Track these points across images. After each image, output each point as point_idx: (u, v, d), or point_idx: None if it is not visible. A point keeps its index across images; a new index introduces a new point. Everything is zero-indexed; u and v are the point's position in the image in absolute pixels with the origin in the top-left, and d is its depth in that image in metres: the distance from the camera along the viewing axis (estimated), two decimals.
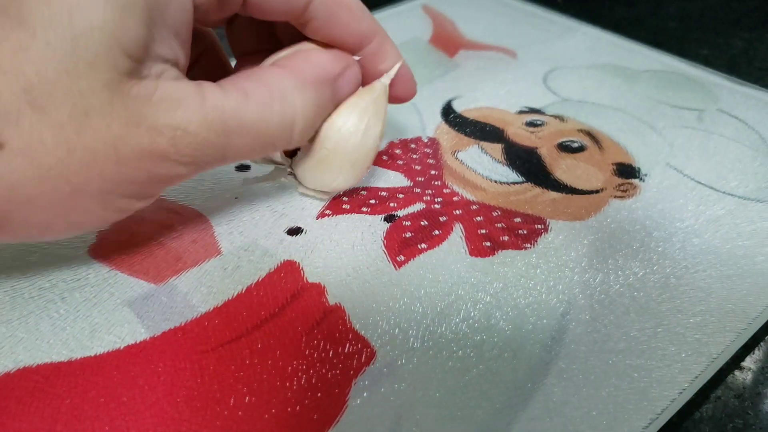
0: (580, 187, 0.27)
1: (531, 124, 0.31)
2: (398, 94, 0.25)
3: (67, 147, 0.16)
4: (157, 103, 0.17)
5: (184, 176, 0.19)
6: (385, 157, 0.29)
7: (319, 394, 0.19)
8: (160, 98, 0.17)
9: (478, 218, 0.25)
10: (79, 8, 0.15)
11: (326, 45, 0.23)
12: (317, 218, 0.25)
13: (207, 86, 0.19)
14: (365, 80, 0.24)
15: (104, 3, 0.15)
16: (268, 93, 0.20)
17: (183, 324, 0.21)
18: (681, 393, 0.19)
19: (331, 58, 0.22)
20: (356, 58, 0.23)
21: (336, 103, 0.23)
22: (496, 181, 0.28)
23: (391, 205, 0.26)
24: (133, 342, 0.20)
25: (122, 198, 0.18)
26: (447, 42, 0.40)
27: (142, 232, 0.25)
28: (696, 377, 0.19)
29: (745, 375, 0.21)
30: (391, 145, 0.30)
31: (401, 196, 0.27)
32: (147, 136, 0.17)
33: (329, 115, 0.23)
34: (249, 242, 0.24)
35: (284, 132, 0.20)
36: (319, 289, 0.22)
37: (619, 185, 0.27)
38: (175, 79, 0.18)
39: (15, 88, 0.15)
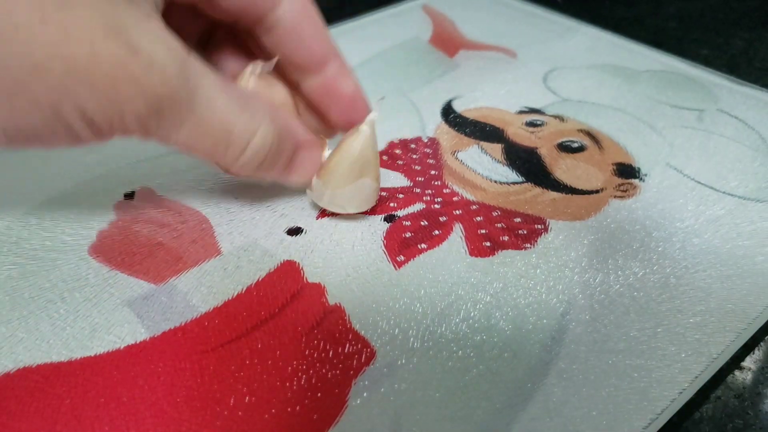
0: (580, 187, 0.27)
1: (531, 124, 0.31)
2: (352, 120, 0.24)
3: (42, 14, 0.16)
4: (145, 29, 0.17)
5: (139, 119, 0.18)
6: (385, 157, 0.29)
7: (319, 394, 0.19)
8: (150, 28, 0.17)
9: (478, 218, 0.25)
10: None
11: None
12: (317, 218, 0.25)
13: (194, 54, 0.18)
14: (328, 100, 0.24)
15: None
16: (244, 101, 0.20)
17: (183, 324, 0.21)
18: (681, 393, 0.19)
19: (306, 132, 0.23)
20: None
21: (291, 168, 0.23)
22: (496, 181, 0.28)
23: (391, 205, 0.26)
24: (133, 342, 0.20)
25: (74, 110, 0.17)
26: (447, 42, 0.40)
27: (142, 232, 0.25)
28: (696, 377, 0.19)
29: (745, 375, 0.21)
30: (391, 145, 0.30)
31: (401, 196, 0.27)
32: (125, 49, 0.17)
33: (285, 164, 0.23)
34: (249, 242, 0.24)
35: (242, 138, 0.20)
36: (319, 289, 0.22)
37: (619, 185, 0.27)
38: (165, 26, 0.18)
39: None
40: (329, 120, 0.25)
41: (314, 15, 0.22)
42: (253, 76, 0.22)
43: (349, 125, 0.24)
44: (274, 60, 0.22)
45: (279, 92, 0.23)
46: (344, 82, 0.24)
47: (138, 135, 0.19)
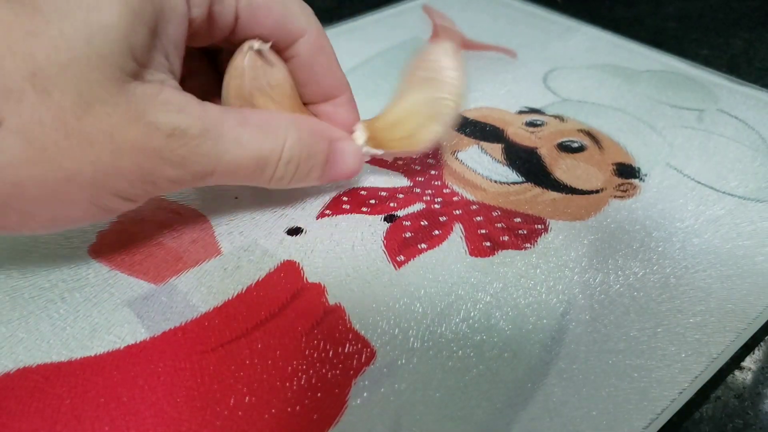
0: (580, 187, 0.27)
1: (531, 124, 0.31)
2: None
3: (65, 131, 0.17)
4: (160, 103, 0.18)
5: (171, 180, 0.19)
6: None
7: (319, 394, 0.19)
8: (164, 100, 0.18)
9: (478, 218, 0.25)
10: (96, 6, 0.16)
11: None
12: (317, 218, 0.25)
13: (209, 103, 0.20)
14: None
15: (119, 6, 0.17)
16: (265, 123, 0.21)
17: (183, 324, 0.21)
18: (681, 393, 0.19)
19: (335, 129, 0.24)
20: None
21: (330, 166, 0.23)
22: (496, 181, 0.28)
23: (391, 205, 0.26)
24: (133, 342, 0.20)
25: (110, 195, 0.18)
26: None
27: (142, 232, 0.25)
28: (696, 377, 0.19)
29: (745, 375, 0.21)
30: None
31: (401, 196, 0.27)
32: (145, 130, 0.18)
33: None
34: (249, 242, 0.24)
35: (273, 158, 0.21)
36: (319, 289, 0.22)
37: (619, 185, 0.27)
38: (177, 89, 0.19)
39: (22, 70, 0.16)
40: None
41: (328, 50, 0.23)
42: (251, 51, 0.22)
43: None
44: (269, 43, 0.22)
45: (278, 71, 0.23)
46: (345, 114, 0.25)
47: (175, 190, 0.20)
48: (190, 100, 0.19)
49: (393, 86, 0.35)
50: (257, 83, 0.22)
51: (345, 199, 0.27)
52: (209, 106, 0.19)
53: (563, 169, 0.28)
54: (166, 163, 0.18)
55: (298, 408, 0.18)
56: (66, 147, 0.17)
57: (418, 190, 0.27)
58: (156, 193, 0.20)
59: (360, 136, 0.25)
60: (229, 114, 0.20)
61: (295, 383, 0.19)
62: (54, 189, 0.17)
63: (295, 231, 0.25)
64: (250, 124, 0.20)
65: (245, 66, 0.21)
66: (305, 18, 0.22)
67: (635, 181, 0.28)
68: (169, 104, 0.18)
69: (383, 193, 0.27)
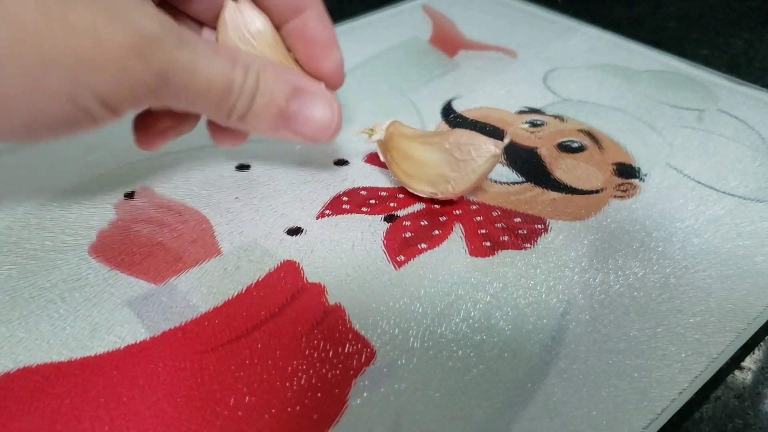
0: (580, 187, 0.27)
1: (531, 124, 0.31)
2: (320, 65, 0.25)
3: (48, 17, 0.17)
4: (142, 12, 0.18)
5: (152, 90, 0.19)
6: None
7: (319, 394, 0.19)
8: (147, 12, 0.19)
9: (478, 218, 0.25)
10: None
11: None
12: (317, 218, 0.25)
13: (185, 28, 0.20)
14: (302, 44, 0.24)
15: None
16: (235, 54, 0.21)
17: (183, 324, 0.21)
18: (681, 393, 0.19)
19: (311, 82, 0.23)
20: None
21: (298, 115, 0.23)
22: (496, 181, 0.28)
23: (391, 205, 0.26)
24: (133, 342, 0.20)
25: (90, 95, 0.18)
26: (447, 42, 0.40)
27: (142, 232, 0.25)
28: (696, 377, 0.19)
29: (745, 375, 0.21)
30: None
31: (401, 196, 0.27)
32: (128, 30, 0.18)
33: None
34: (249, 242, 0.24)
35: (236, 87, 0.21)
36: (319, 289, 0.22)
37: (619, 185, 0.27)
38: (158, 9, 0.19)
39: None
40: (300, 63, 0.25)
41: None
42: (230, 3, 0.23)
43: (317, 70, 0.25)
44: None
45: (256, 19, 0.23)
46: (319, 28, 0.24)
47: (150, 104, 0.20)
48: (168, 18, 0.19)
49: (393, 86, 0.35)
50: (239, 33, 0.23)
51: (345, 199, 0.27)
52: (185, 30, 0.20)
53: (563, 169, 0.28)
54: (148, 69, 0.19)
55: (298, 408, 0.18)
56: (48, 31, 0.17)
57: None
58: (134, 104, 0.19)
59: (379, 132, 0.25)
60: (202, 40, 0.20)
61: (295, 383, 0.19)
62: (34, 74, 0.17)
63: (295, 231, 0.25)
64: (221, 53, 0.21)
65: (225, 18, 0.23)
66: None
67: (635, 181, 0.28)
68: (151, 16, 0.19)
69: (383, 193, 0.27)
